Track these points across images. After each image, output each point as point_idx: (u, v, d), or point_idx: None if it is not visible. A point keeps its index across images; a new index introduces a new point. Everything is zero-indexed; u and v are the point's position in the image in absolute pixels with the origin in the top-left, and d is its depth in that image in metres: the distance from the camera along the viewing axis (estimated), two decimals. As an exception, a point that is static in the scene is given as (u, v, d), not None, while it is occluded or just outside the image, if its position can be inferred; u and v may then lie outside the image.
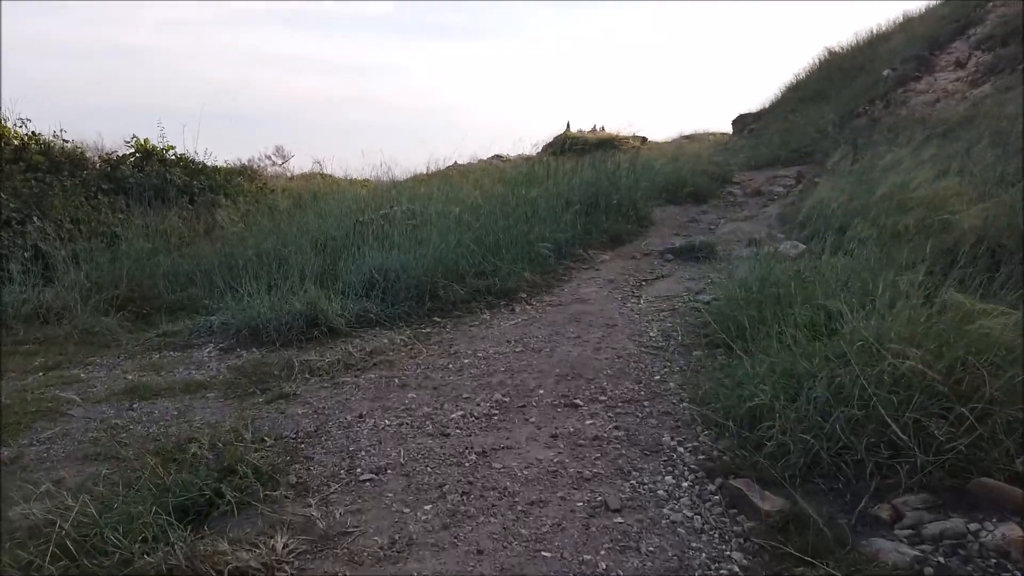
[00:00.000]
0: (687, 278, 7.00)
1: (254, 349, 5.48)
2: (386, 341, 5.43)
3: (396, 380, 4.64)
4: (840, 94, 16.39)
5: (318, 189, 14.27)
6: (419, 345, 5.37)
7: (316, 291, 5.87)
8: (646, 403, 4.05)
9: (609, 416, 3.89)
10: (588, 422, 3.82)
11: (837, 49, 20.03)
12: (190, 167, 11.92)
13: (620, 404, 4.05)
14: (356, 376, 4.76)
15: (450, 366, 4.87)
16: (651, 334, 5.35)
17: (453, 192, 9.36)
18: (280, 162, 24.65)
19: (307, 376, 4.80)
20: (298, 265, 6.75)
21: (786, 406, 3.38)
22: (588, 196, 8.93)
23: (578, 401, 4.10)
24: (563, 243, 7.78)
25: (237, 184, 13.07)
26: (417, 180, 12.87)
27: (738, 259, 7.57)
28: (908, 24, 18.13)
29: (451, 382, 4.55)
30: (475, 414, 4.00)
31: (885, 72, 15.38)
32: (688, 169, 11.56)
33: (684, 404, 3.98)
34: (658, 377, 4.47)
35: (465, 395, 4.31)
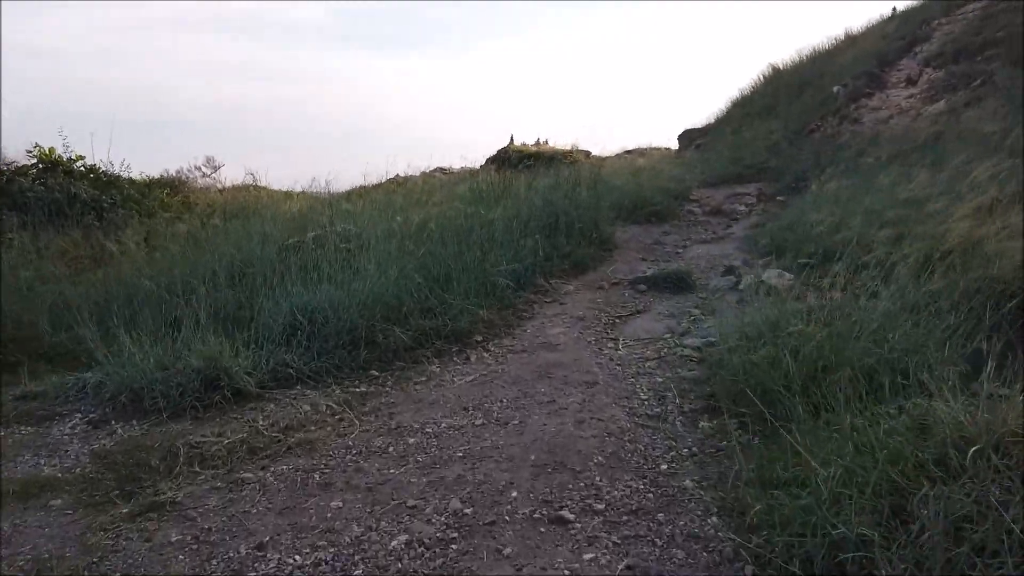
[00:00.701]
0: (666, 314, 5.90)
1: (133, 422, 4.09)
2: (308, 408, 4.12)
3: (316, 476, 3.34)
4: (789, 110, 15.72)
5: (250, 203, 12.81)
6: (350, 414, 4.08)
7: (218, 342, 4.51)
8: (660, 515, 2.86)
9: (614, 542, 2.69)
10: (587, 555, 2.61)
11: (781, 66, 19.49)
12: (101, 179, 10.34)
13: (625, 517, 2.86)
14: (263, 469, 3.44)
15: (391, 449, 3.60)
16: (641, 396, 4.18)
17: (396, 211, 8.07)
18: (210, 172, 22.84)
19: (196, 469, 3.46)
20: (207, 303, 5.38)
21: (887, 538, 2.27)
22: (547, 216, 7.78)
23: (566, 513, 2.89)
24: (522, 272, 6.59)
25: (155, 198, 11.48)
26: (357, 193, 11.51)
27: (717, 290, 6.52)
28: (852, 42, 17.68)
29: (391, 478, 3.28)
30: (425, 540, 2.74)
31: (835, 88, 14.77)
32: (648, 186, 10.55)
33: (713, 519, 2.81)
34: (665, 467, 3.30)
35: (411, 502, 3.05)
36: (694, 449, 3.48)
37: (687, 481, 3.12)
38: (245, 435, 3.74)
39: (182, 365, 4.38)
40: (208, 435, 3.77)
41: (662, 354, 4.94)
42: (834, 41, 18.76)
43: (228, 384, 4.29)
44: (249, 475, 3.36)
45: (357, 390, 4.47)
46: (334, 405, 4.18)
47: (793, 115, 15.20)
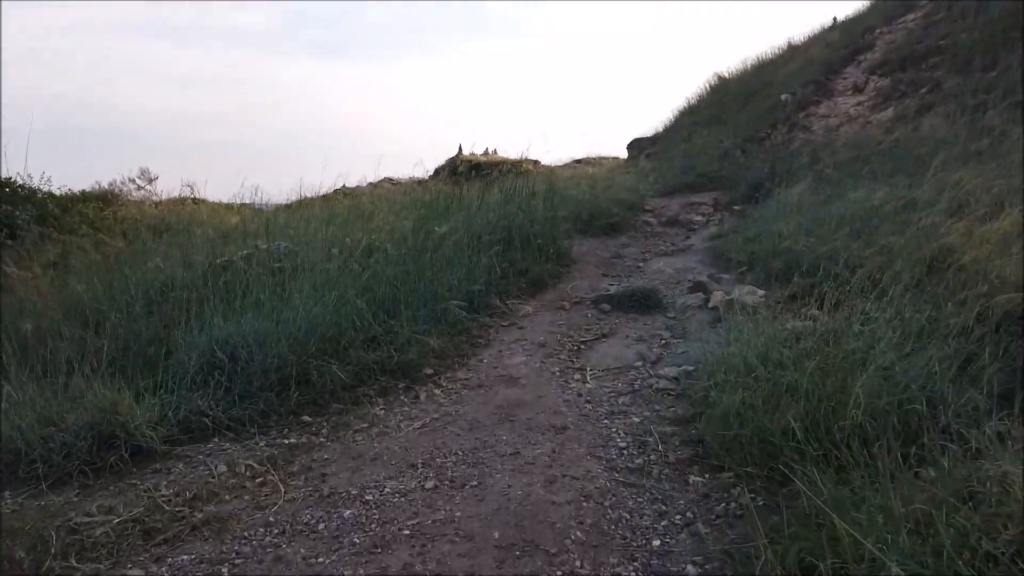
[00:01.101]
0: (634, 338, 5.31)
1: (7, 493, 3.29)
2: (223, 470, 3.38)
3: (225, 570, 2.62)
4: (738, 118, 15.48)
5: (183, 217, 11.86)
6: (275, 476, 3.35)
7: (116, 388, 3.72)
8: (661, 619, 2.25)
9: (608, 664, 2.06)
10: None
11: (726, 75, 19.34)
12: (19, 193, 9.35)
13: (617, 622, 2.24)
14: (157, 560, 2.69)
15: (321, 526, 2.89)
16: (619, 442, 3.56)
17: (339, 225, 7.32)
18: (144, 185, 21.55)
19: (71, 563, 2.69)
20: (114, 337, 4.57)
21: None
22: (502, 230, 7.14)
23: (544, 618, 2.25)
24: (477, 292, 5.94)
25: (78, 213, 10.46)
26: (301, 205, 10.66)
27: (687, 309, 5.98)
28: (795, 51, 17.60)
29: (320, 571, 2.58)
30: (361, 670, 2.06)
31: (783, 96, 14.57)
32: (603, 197, 10.01)
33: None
34: (658, 542, 2.68)
35: (344, 608, 2.36)
36: (688, 515, 2.87)
37: (688, 567, 2.50)
38: (141, 511, 2.98)
39: (73, 418, 3.59)
40: (94, 512, 2.99)
41: (635, 387, 4.34)
42: (777, 51, 18.70)
43: (127, 441, 3.51)
44: (138, 572, 2.61)
45: (285, 442, 3.73)
46: (255, 464, 3.44)
47: (742, 123, 14.95)
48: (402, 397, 4.32)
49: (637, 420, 3.82)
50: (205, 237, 8.57)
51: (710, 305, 5.95)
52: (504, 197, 8.40)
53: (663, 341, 5.20)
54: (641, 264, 7.85)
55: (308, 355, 4.38)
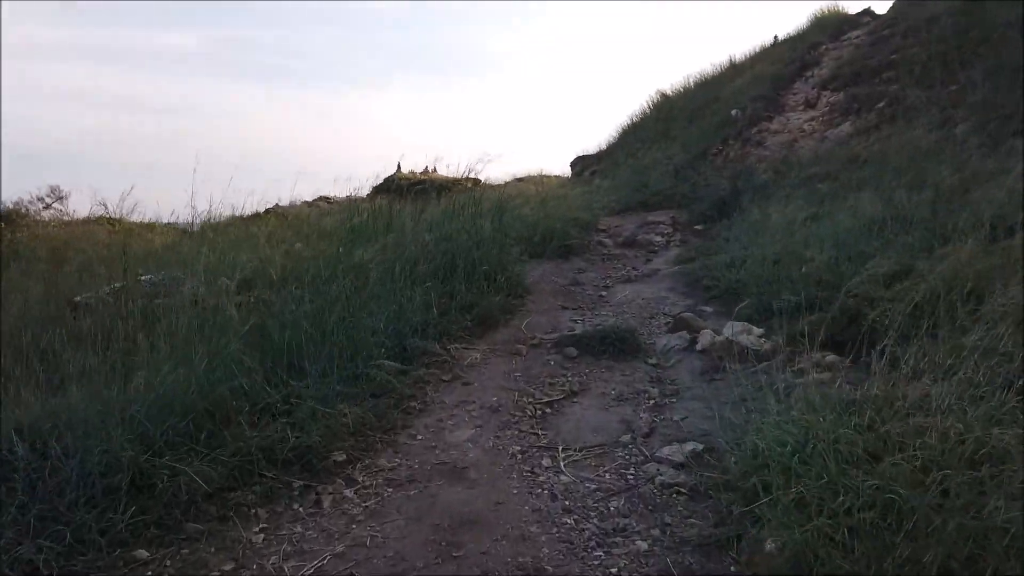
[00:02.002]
0: (614, 397, 4.00)
1: None
2: None
3: None
4: (686, 134, 14.55)
5: (80, 238, 10.11)
6: None
7: None
8: None
9: None
10: None
11: (670, 92, 18.50)
12: None
13: None
14: None
15: None
16: (626, 595, 2.24)
17: (238, 249, 5.81)
18: (52, 203, 19.30)
19: None
20: None
21: None
22: (442, 256, 5.77)
23: None
24: (409, 334, 4.54)
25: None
26: (226, 226, 9.04)
27: (670, 352, 4.73)
28: (738, 69, 16.90)
29: None
30: None
31: (733, 112, 13.70)
32: (555, 216, 8.76)
33: None
34: None
35: None
36: None
37: None
38: None
39: None
40: None
41: (629, 479, 3.02)
42: (720, 68, 17.98)
43: None
44: None
45: (95, 607, 2.26)
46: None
47: (692, 139, 14.01)
48: (296, 505, 2.88)
49: (644, 547, 2.49)
50: (83, 262, 6.99)
51: (698, 347, 4.71)
52: (445, 215, 7.04)
53: (651, 401, 3.91)
54: (604, 292, 6.58)
55: (154, 449, 2.90)
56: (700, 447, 3.19)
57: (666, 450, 3.24)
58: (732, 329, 4.67)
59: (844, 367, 3.74)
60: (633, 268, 7.75)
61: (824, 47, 14.68)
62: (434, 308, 4.88)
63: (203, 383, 3.31)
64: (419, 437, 3.50)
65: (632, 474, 3.05)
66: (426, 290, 4.97)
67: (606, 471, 3.09)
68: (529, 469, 3.13)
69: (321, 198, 21.73)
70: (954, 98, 9.87)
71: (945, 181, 5.64)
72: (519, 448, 3.35)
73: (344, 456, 3.25)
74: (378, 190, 19.58)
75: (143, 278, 5.32)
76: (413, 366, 4.31)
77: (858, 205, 6.03)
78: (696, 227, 9.21)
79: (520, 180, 22.51)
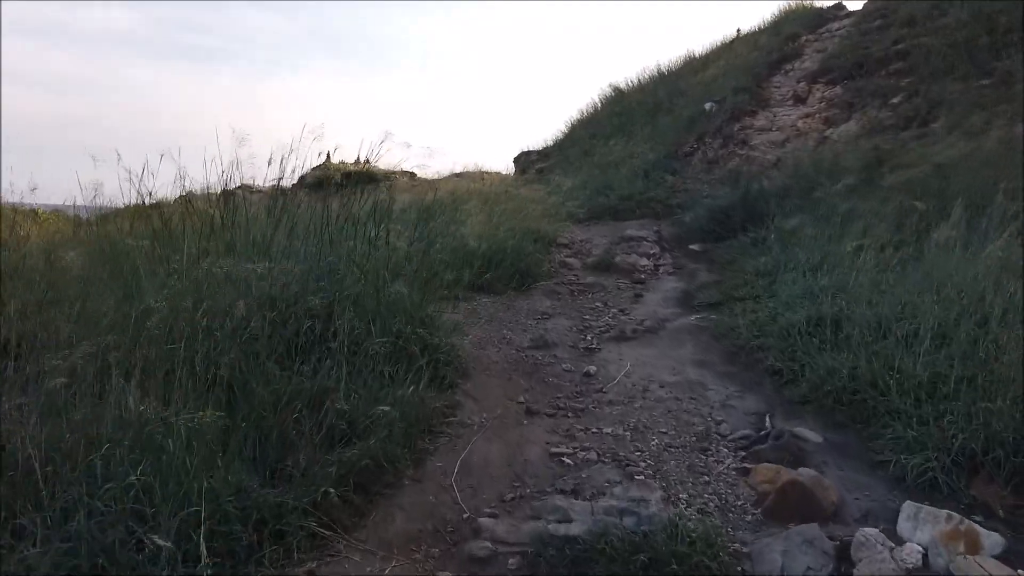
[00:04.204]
0: None
1: None
2: None
3: None
4: (650, 131, 11.91)
5: None
6: None
7: None
8: None
9: None
10: None
11: (624, 86, 15.83)
12: None
13: None
14: None
15: None
16: None
17: None
18: None
19: None
20: None
21: None
22: (318, 302, 2.81)
23: None
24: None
25: None
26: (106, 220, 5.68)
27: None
28: (705, 61, 14.40)
29: None
30: None
31: (707, 105, 11.11)
32: (509, 225, 5.88)
33: None
34: None
35: None
36: None
37: None
38: None
39: None
40: None
41: None
42: (679, 62, 15.46)
43: None
44: None
45: None
46: None
47: (659, 136, 11.36)
48: None
49: None
50: None
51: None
52: (343, 223, 4.02)
53: None
54: (590, 368, 3.70)
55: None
56: None
57: None
58: (920, 529, 1.91)
59: None
60: (621, 311, 4.94)
61: (804, 39, 12.25)
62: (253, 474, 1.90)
63: None
64: None
65: None
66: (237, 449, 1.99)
67: None
68: None
69: (243, 187, 18.00)
70: (990, 93, 7.52)
71: None
72: None
73: None
74: (305, 182, 16.15)
75: None
76: None
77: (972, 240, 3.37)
78: (691, 246, 6.49)
79: (459, 175, 19.32)
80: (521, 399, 3.18)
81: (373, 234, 3.90)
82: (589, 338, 4.29)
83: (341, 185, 12.56)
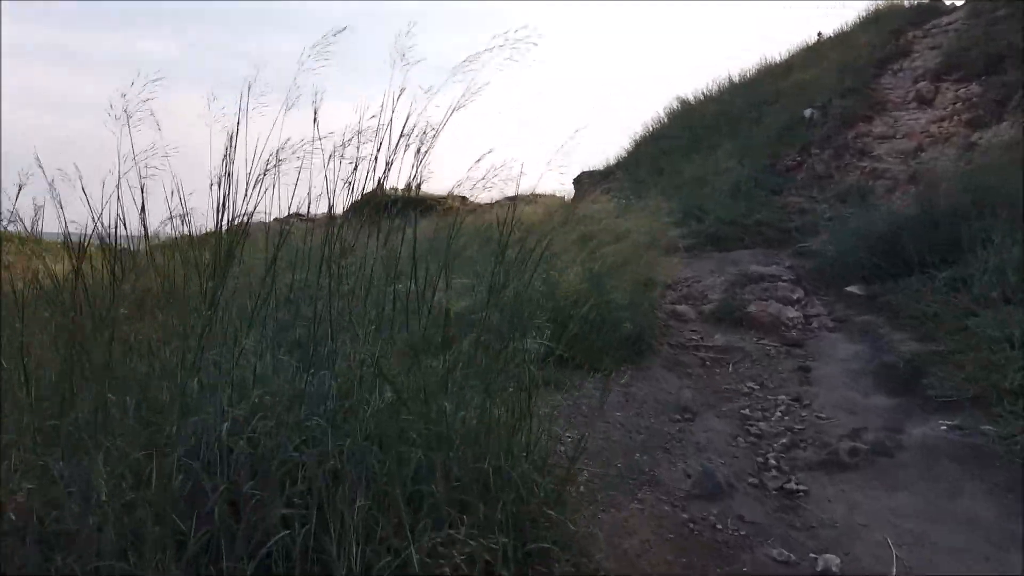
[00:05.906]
0: None
1: None
2: None
3: None
4: (737, 143, 10.06)
5: None
6: None
7: None
8: None
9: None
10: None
11: (691, 99, 14.03)
12: None
13: None
14: None
15: None
16: None
17: None
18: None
19: None
20: None
21: None
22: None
23: None
24: None
25: None
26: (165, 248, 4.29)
27: None
28: (787, 66, 12.50)
29: None
30: None
31: (807, 112, 9.24)
32: (605, 268, 4.22)
33: None
34: None
35: None
36: None
37: None
38: None
39: None
40: None
41: None
42: (754, 71, 13.59)
43: None
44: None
45: None
46: None
47: (747, 149, 9.52)
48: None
49: None
50: None
51: None
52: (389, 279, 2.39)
53: None
54: (828, 562, 1.98)
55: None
56: None
57: None
58: None
59: None
60: (794, 400, 3.19)
61: (911, 35, 10.27)
62: None
63: None
64: None
65: None
66: None
67: None
68: None
69: (295, 215, 16.88)
70: None
71: None
72: None
73: None
74: (358, 206, 14.79)
75: None
76: None
77: None
78: (849, 288, 4.67)
79: (512, 199, 17.62)
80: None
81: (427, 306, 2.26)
82: (772, 462, 2.57)
83: (395, 210, 11.16)
